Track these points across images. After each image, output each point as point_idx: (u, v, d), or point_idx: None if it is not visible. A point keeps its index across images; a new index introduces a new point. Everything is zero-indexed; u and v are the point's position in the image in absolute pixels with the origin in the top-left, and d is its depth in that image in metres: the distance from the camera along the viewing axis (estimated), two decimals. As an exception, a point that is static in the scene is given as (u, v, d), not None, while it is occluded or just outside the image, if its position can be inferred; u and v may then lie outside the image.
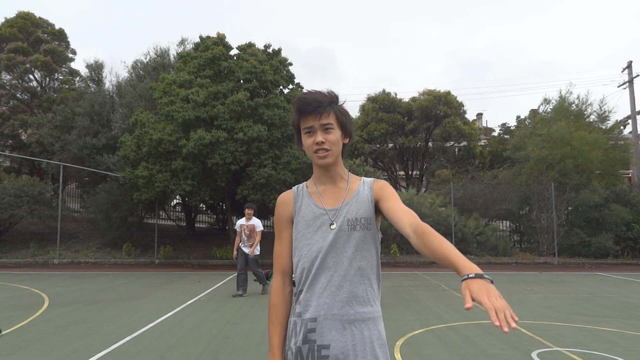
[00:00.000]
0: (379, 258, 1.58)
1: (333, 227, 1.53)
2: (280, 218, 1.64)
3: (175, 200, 20.32)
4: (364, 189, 1.60)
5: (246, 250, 8.44)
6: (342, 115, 1.57)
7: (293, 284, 1.64)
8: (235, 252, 8.56)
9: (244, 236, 8.50)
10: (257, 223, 8.53)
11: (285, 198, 1.65)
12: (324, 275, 1.51)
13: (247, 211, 8.53)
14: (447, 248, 1.31)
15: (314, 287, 1.51)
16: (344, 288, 1.49)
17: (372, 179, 1.64)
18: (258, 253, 8.56)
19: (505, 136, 28.50)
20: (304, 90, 1.57)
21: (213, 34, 15.23)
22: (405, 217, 1.44)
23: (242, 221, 8.58)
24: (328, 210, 1.56)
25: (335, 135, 1.54)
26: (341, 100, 1.62)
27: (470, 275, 1.22)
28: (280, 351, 1.53)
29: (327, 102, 1.54)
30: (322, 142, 1.52)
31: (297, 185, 1.68)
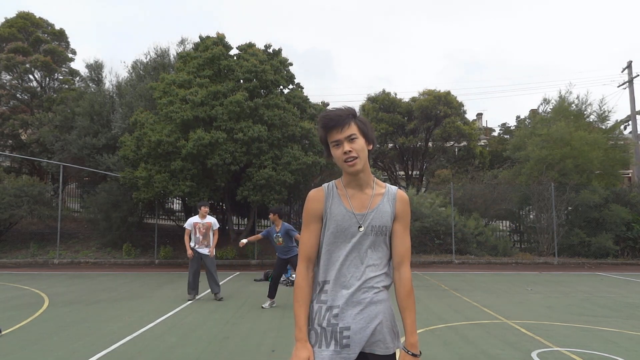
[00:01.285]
0: (389, 255, 1.88)
1: (361, 229, 1.78)
2: (310, 212, 1.84)
3: (175, 200, 20.30)
4: (387, 199, 1.84)
5: (203, 251, 7.97)
6: (362, 125, 1.78)
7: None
8: (190, 251, 7.96)
9: (198, 235, 7.96)
10: (213, 221, 8.14)
11: (317, 196, 1.85)
12: (347, 269, 1.78)
13: (204, 209, 8.06)
14: (409, 313, 1.79)
15: (338, 279, 1.78)
16: (363, 280, 1.77)
17: (396, 189, 1.88)
18: (214, 254, 8.13)
19: (505, 136, 28.50)
20: (326, 112, 1.81)
21: (209, 34, 15.24)
22: (400, 248, 1.83)
23: (195, 219, 8.03)
24: (356, 214, 1.80)
25: (360, 143, 1.75)
26: (357, 112, 1.83)
27: (410, 352, 1.76)
28: (306, 326, 1.77)
29: (347, 115, 1.75)
30: (350, 151, 1.73)
31: (326, 184, 1.88)
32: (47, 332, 5.64)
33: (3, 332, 5.57)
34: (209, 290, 9.14)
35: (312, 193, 1.86)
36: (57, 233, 15.21)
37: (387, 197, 1.84)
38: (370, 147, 1.80)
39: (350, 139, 1.73)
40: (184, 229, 8.26)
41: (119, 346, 5.01)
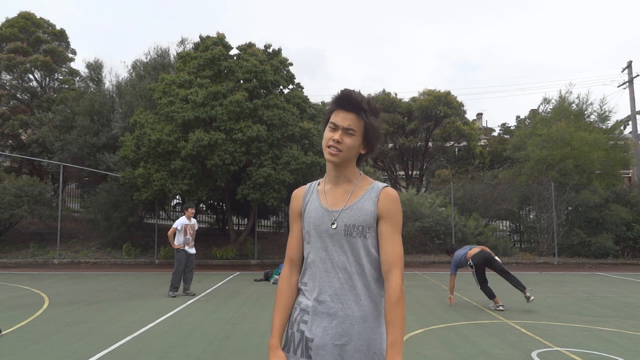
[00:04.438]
0: (377, 262, 1.58)
1: (334, 226, 1.58)
2: (292, 212, 1.74)
3: (175, 200, 20.32)
4: (369, 196, 1.60)
5: (191, 251, 8.43)
6: (370, 129, 1.58)
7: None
8: (178, 245, 8.35)
9: (188, 236, 8.39)
10: (195, 222, 8.73)
11: (297, 193, 1.74)
12: (320, 273, 1.59)
13: (191, 210, 8.53)
14: (391, 329, 1.46)
15: (311, 282, 1.62)
16: (337, 288, 1.55)
17: (383, 187, 1.63)
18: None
19: (505, 136, 28.51)
20: (345, 89, 1.60)
21: (209, 34, 15.24)
22: (387, 253, 1.54)
23: (185, 220, 8.42)
24: (330, 210, 1.61)
25: (354, 141, 1.57)
26: (379, 114, 1.64)
27: None
28: (279, 334, 1.62)
29: (360, 108, 1.56)
30: (338, 142, 1.55)
31: (311, 182, 1.76)
32: (47, 332, 5.64)
33: (3, 332, 5.57)
34: (209, 290, 9.15)
35: (295, 192, 1.75)
36: (57, 233, 15.21)
37: (369, 194, 1.60)
38: (365, 152, 1.63)
39: (348, 132, 1.55)
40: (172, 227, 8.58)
41: (119, 346, 5.01)
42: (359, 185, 1.63)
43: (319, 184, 1.71)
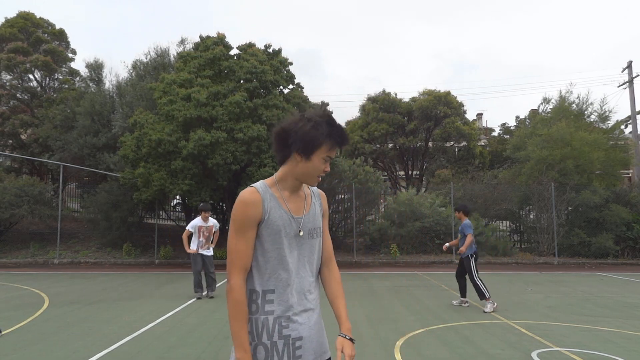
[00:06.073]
0: None
1: (301, 234, 1.71)
2: (248, 218, 1.63)
3: (175, 200, 20.32)
4: (315, 200, 1.83)
5: (206, 253, 8.25)
6: None
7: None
8: (192, 250, 8.14)
9: (202, 238, 8.20)
10: (215, 223, 8.42)
11: (254, 199, 1.64)
12: (291, 277, 1.68)
13: (205, 214, 8.24)
14: (341, 301, 1.79)
15: (284, 287, 1.67)
16: (305, 286, 1.72)
17: (318, 190, 1.89)
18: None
19: (505, 136, 28.51)
20: (335, 121, 1.70)
21: (209, 34, 15.25)
22: (328, 244, 1.87)
23: (198, 222, 8.22)
24: (295, 218, 1.72)
25: None
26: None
27: (348, 337, 1.69)
28: (249, 347, 1.61)
29: None
30: (327, 172, 1.73)
31: (259, 186, 1.69)
32: (47, 332, 5.64)
33: (3, 332, 5.58)
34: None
35: (248, 197, 1.63)
36: (57, 233, 15.21)
37: (314, 198, 1.82)
38: None
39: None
40: (186, 229, 8.40)
41: (119, 346, 5.02)
42: (307, 192, 1.81)
43: (271, 189, 1.70)
